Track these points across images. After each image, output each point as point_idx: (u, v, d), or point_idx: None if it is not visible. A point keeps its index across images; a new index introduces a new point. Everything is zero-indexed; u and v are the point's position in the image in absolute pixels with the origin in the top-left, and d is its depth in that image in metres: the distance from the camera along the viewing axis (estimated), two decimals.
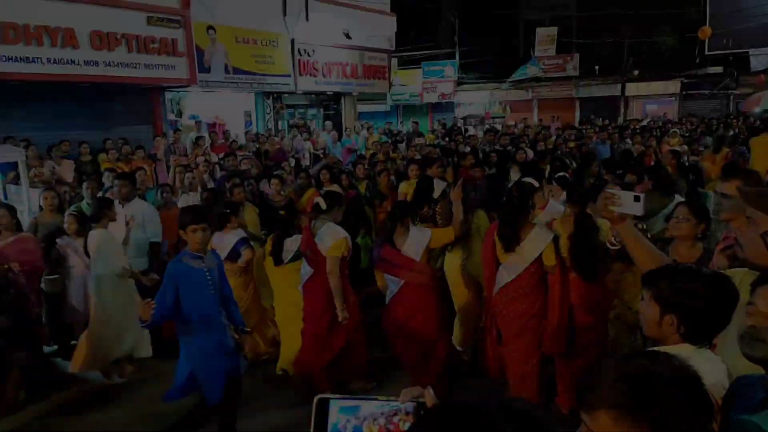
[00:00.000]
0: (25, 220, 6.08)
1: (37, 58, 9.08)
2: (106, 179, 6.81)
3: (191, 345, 3.52)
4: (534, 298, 3.90)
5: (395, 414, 1.17)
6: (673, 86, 25.62)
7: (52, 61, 9.25)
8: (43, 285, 5.02)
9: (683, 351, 1.63)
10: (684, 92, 25.47)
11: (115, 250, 4.89)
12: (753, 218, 2.02)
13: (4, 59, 8.75)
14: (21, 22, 8.85)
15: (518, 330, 3.93)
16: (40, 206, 5.92)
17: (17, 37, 8.84)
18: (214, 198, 5.77)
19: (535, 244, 3.82)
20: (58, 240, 5.11)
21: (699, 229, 3.21)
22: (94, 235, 4.82)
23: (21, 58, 8.92)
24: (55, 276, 5.10)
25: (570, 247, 3.86)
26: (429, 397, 1.16)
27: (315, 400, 1.21)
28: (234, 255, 4.98)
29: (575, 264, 3.87)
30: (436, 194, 5.66)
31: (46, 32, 9.13)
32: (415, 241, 4.22)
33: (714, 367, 1.61)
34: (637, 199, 2.22)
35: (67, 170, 8.86)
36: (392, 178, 7.79)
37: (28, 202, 6.59)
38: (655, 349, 1.76)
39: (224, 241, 5.04)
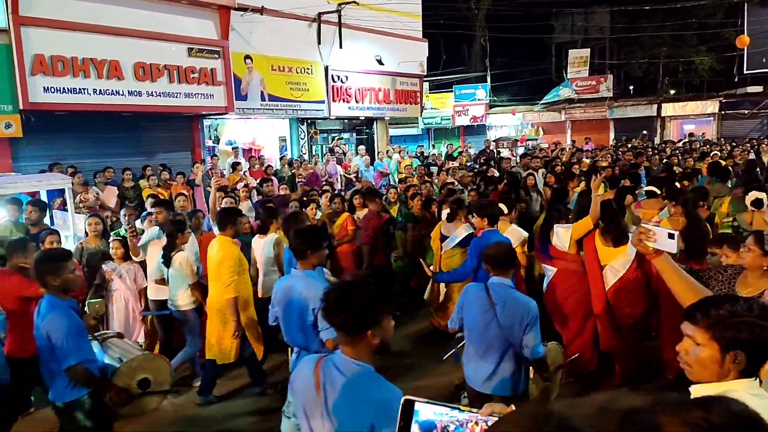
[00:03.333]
0: (71, 245, 6.31)
1: (84, 89, 9.49)
2: (148, 205, 7.03)
3: None
4: (640, 288, 4.65)
5: (470, 421, 1.24)
6: (712, 106, 25.06)
7: (98, 92, 9.65)
8: (86, 308, 5.17)
9: (741, 388, 1.58)
10: (723, 112, 24.88)
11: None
12: None
13: (53, 90, 9.18)
14: (69, 55, 9.29)
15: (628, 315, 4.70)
16: (85, 231, 6.14)
17: (65, 69, 9.27)
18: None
19: (561, 238, 4.95)
20: (103, 265, 5.28)
21: (765, 261, 3.16)
22: (179, 257, 5.17)
23: (69, 90, 9.34)
24: (99, 299, 5.26)
25: (684, 241, 4.47)
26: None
27: (402, 401, 1.29)
28: None
29: (688, 254, 4.62)
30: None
31: (92, 64, 9.56)
32: (561, 235, 5.08)
33: (766, 403, 1.56)
34: (671, 236, 2.17)
35: (110, 196, 9.17)
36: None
37: (74, 227, 6.84)
38: (701, 387, 1.69)
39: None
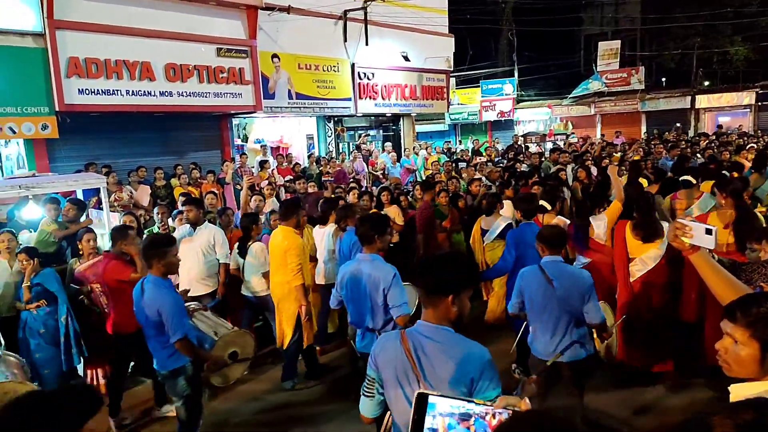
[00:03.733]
0: (106, 243, 6.47)
1: (117, 90, 9.72)
2: (179, 204, 7.17)
3: None
4: (668, 280, 4.74)
5: (487, 414, 1.28)
6: (748, 97, 24.30)
7: (130, 93, 9.87)
8: None
9: None
10: (760, 103, 24.10)
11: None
12: None
13: (88, 92, 9.41)
14: (102, 58, 9.52)
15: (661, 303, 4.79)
16: None
17: (99, 71, 9.50)
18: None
19: (599, 226, 5.25)
20: None
21: None
22: (255, 247, 5.72)
23: (102, 91, 9.57)
24: None
25: (734, 233, 4.66)
26: (525, 405, 1.20)
27: (415, 395, 1.34)
28: None
29: (739, 246, 4.58)
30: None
31: (125, 66, 9.77)
32: (597, 226, 5.37)
33: None
34: (708, 231, 2.11)
35: (143, 195, 9.38)
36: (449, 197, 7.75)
37: (108, 225, 7.00)
38: (741, 387, 1.66)
39: None
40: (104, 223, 7.08)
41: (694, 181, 6.17)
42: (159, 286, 3.69)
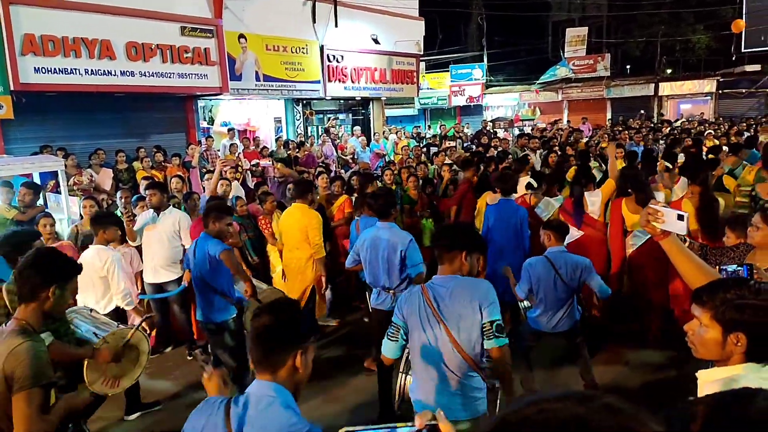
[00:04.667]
0: (65, 228, 6.25)
1: (75, 69, 9.33)
2: (142, 188, 6.95)
3: None
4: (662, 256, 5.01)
5: None
6: (709, 85, 24.93)
7: (89, 72, 9.49)
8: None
9: (749, 371, 1.58)
10: (720, 91, 24.77)
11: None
12: None
13: (44, 71, 9.01)
14: (59, 35, 9.11)
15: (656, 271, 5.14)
16: (80, 215, 6.07)
17: (56, 49, 9.10)
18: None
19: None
20: None
21: None
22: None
23: (60, 70, 9.18)
24: None
25: (698, 218, 4.99)
26: (441, 418, 1.22)
27: None
28: None
29: (703, 230, 4.95)
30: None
31: (83, 44, 9.38)
32: (592, 202, 5.76)
33: None
34: (680, 217, 2.12)
35: (105, 178, 9.09)
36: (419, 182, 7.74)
37: (67, 210, 6.77)
38: (708, 372, 1.69)
39: None
40: (63, 207, 6.85)
41: (670, 166, 6.63)
42: (210, 240, 4.32)
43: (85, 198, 6.19)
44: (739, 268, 2.35)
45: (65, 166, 7.64)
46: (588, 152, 9.13)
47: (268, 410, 1.72)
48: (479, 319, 2.60)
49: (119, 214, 6.23)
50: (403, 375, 3.04)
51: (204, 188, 8.30)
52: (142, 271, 5.69)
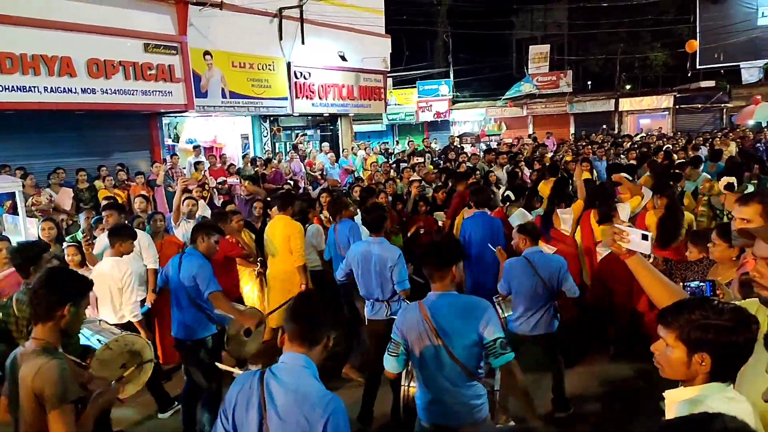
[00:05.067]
0: None
1: (34, 87, 9.06)
2: (103, 208, 6.76)
3: None
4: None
5: None
6: (666, 101, 25.83)
7: (49, 90, 9.23)
8: None
9: (713, 391, 1.60)
10: (677, 106, 25.68)
11: None
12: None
13: (1, 89, 8.74)
14: (18, 52, 8.86)
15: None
16: (38, 237, 5.86)
17: (14, 66, 8.83)
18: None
19: (623, 212, 5.65)
20: None
21: (733, 253, 3.24)
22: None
23: (18, 88, 8.90)
24: None
25: (658, 226, 5.23)
26: None
27: None
28: None
29: (661, 241, 5.13)
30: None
31: (43, 61, 9.13)
32: (564, 219, 5.92)
33: (742, 407, 1.57)
34: (644, 237, 2.17)
35: (64, 198, 8.83)
36: (390, 199, 7.76)
37: (25, 231, 6.54)
38: (674, 392, 1.71)
39: None
40: (20, 229, 6.61)
41: (630, 178, 6.87)
42: (195, 256, 4.30)
43: (43, 220, 5.98)
44: (702, 284, 2.40)
45: (23, 186, 7.41)
46: (557, 166, 9.32)
47: (300, 378, 2.02)
48: (478, 336, 2.72)
49: (80, 235, 6.07)
50: (406, 385, 3.19)
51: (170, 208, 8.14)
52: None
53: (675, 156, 11.19)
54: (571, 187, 7.55)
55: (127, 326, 4.50)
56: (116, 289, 4.65)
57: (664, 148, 13.15)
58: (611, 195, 5.93)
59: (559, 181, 7.58)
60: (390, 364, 2.91)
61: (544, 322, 4.47)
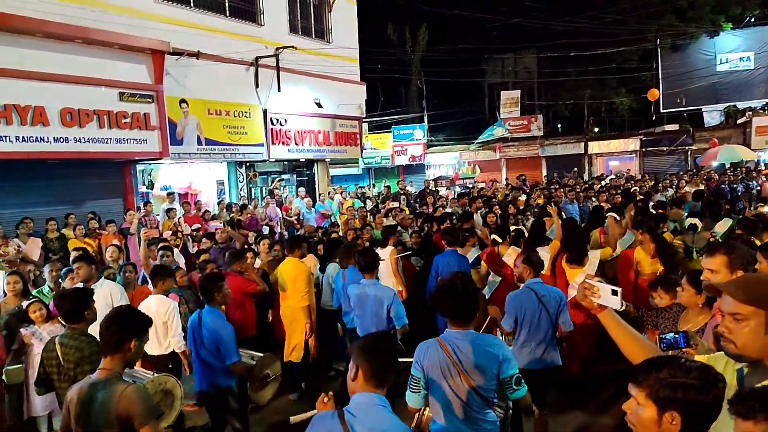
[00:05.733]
0: None
1: (5, 136, 8.97)
2: (73, 259, 6.62)
3: None
4: None
5: None
6: (633, 143, 26.65)
7: (20, 140, 9.13)
8: (3, 377, 4.75)
9: None
10: (644, 149, 26.50)
11: None
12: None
13: None
14: None
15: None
16: (3, 291, 5.69)
17: None
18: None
19: (593, 258, 5.82)
20: (21, 330, 4.89)
21: (700, 299, 3.31)
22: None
23: None
24: (18, 366, 4.84)
25: (661, 261, 5.53)
26: None
27: None
28: None
29: (667, 269, 5.35)
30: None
31: (15, 111, 9.07)
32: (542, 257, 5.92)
33: None
34: (614, 293, 2.21)
35: (33, 248, 8.62)
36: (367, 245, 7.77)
37: None
38: None
39: None
40: None
41: (618, 217, 7.16)
42: (218, 316, 4.39)
43: (9, 274, 5.81)
44: (676, 335, 2.44)
45: None
46: (545, 207, 9.50)
47: (378, 415, 2.23)
48: (496, 370, 2.98)
49: (47, 289, 5.92)
50: (421, 412, 3.28)
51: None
52: None
53: (609, 203, 11.45)
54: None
55: (171, 356, 5.34)
56: (161, 323, 5.20)
57: (631, 190, 13.48)
58: (584, 239, 6.16)
59: (535, 223, 7.96)
60: (412, 399, 3.08)
61: (548, 354, 4.48)
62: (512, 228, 7.69)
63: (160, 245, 7.32)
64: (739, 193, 14.41)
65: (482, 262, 6.75)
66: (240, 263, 6.06)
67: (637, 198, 10.95)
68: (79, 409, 2.76)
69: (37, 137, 9.33)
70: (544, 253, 6.21)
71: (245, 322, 5.86)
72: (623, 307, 2.28)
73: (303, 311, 5.99)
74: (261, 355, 4.99)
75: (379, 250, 7.32)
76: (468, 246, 7.14)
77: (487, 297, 6.58)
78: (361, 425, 2.17)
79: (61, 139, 9.64)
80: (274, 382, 4.83)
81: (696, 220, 6.96)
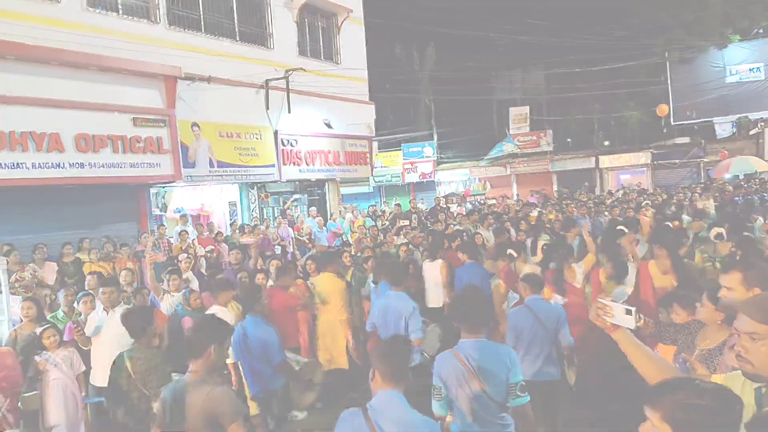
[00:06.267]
0: (5, 331, 5.89)
1: (22, 163, 9.13)
2: (89, 283, 6.68)
3: None
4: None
5: None
6: (644, 157, 26.52)
7: (36, 166, 9.30)
8: (20, 404, 4.78)
9: None
10: (655, 162, 26.35)
11: None
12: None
13: None
14: (6, 130, 8.98)
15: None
16: (20, 317, 5.75)
17: (2, 144, 8.93)
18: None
19: (578, 271, 6.18)
20: (36, 357, 4.93)
21: (719, 316, 3.25)
22: None
23: (5, 165, 8.97)
24: (33, 393, 4.87)
25: (675, 274, 5.45)
26: None
27: None
28: None
29: (681, 285, 5.21)
30: None
31: (31, 138, 9.25)
32: (577, 272, 6.28)
33: None
34: (628, 312, 2.20)
35: (49, 273, 8.72)
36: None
37: (8, 311, 6.40)
38: None
39: None
40: (2, 308, 6.47)
41: (626, 230, 7.20)
42: (260, 324, 4.83)
43: (24, 300, 5.88)
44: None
45: (7, 262, 7.30)
46: (570, 221, 9.51)
47: (400, 410, 2.49)
48: (505, 376, 3.19)
49: (61, 314, 5.97)
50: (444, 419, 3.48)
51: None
52: (83, 372, 5.37)
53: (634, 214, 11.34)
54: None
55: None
56: None
57: (642, 205, 13.37)
58: (618, 253, 6.36)
59: (559, 237, 8.27)
60: (437, 407, 3.29)
61: (548, 367, 4.60)
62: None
63: (169, 269, 7.36)
64: (756, 204, 14.24)
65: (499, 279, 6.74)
66: (287, 277, 6.36)
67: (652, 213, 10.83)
68: (173, 408, 3.00)
69: (53, 163, 9.49)
70: (578, 269, 6.34)
71: (289, 334, 6.10)
72: (639, 323, 2.26)
73: (342, 324, 6.42)
74: (306, 360, 5.44)
75: (427, 263, 7.81)
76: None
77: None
78: (383, 417, 2.45)
79: (77, 165, 9.80)
80: (316, 388, 5.13)
81: (722, 230, 6.87)
